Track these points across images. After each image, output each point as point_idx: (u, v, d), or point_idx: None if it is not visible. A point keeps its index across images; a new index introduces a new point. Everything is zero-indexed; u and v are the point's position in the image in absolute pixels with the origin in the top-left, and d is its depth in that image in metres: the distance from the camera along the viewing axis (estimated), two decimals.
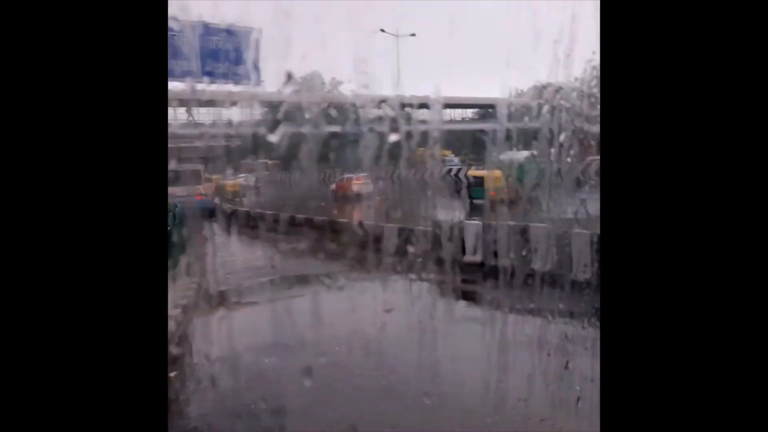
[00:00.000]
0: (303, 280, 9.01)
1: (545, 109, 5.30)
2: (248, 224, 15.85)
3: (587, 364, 3.25)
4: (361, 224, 11.18)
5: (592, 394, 1.89)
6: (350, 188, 21.57)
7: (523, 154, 19.24)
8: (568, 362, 4.02)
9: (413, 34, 29.29)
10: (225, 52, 12.23)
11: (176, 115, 28.17)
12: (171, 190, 17.49)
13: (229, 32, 12.33)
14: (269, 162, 31.37)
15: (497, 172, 19.41)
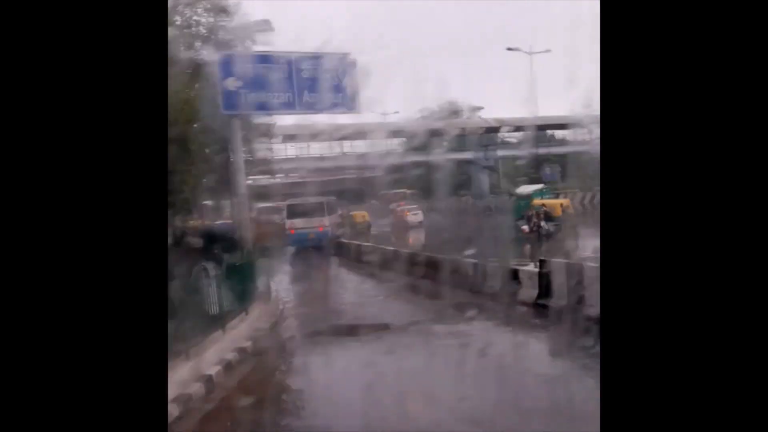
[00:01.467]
0: (380, 329, 7.54)
1: None
2: (353, 258, 14.93)
3: None
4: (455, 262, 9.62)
5: None
6: (405, 218, 23.38)
7: (534, 187, 17.41)
8: None
9: (548, 50, 26.05)
10: (338, 82, 11.71)
11: (299, 149, 28.76)
12: (294, 222, 17.57)
13: (345, 60, 11.79)
14: (407, 191, 30.99)
15: (565, 200, 19.78)
